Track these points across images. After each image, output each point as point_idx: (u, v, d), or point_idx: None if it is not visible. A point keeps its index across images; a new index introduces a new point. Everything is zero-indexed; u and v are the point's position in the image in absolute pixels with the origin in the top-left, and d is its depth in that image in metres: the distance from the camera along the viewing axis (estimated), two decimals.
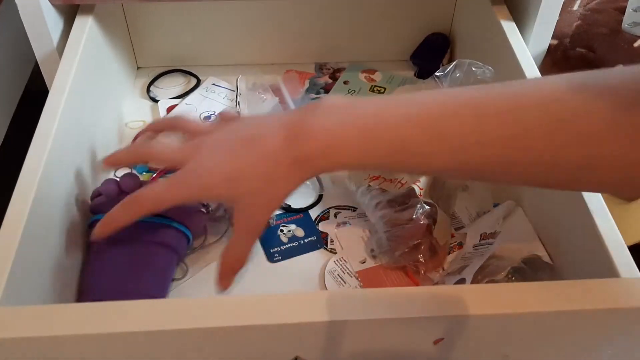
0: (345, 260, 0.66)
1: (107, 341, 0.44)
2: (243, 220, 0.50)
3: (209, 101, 0.86)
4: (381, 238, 0.65)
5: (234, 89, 0.89)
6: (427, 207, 0.65)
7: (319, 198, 0.73)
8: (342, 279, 0.65)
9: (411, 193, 0.66)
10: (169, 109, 0.84)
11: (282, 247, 0.67)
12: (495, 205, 0.68)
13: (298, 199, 0.71)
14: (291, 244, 0.68)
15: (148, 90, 0.88)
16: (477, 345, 0.48)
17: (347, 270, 0.65)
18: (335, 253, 0.67)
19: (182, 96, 0.87)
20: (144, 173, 0.75)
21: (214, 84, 0.89)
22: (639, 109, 0.37)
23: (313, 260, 0.67)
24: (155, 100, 0.87)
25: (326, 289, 0.64)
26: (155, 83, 0.90)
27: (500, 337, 0.48)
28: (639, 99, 0.37)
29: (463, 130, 0.42)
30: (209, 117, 0.83)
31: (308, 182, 0.73)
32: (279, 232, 0.69)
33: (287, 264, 0.67)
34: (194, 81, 0.90)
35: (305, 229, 0.70)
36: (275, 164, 0.47)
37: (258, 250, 0.68)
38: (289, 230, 0.69)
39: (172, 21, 0.87)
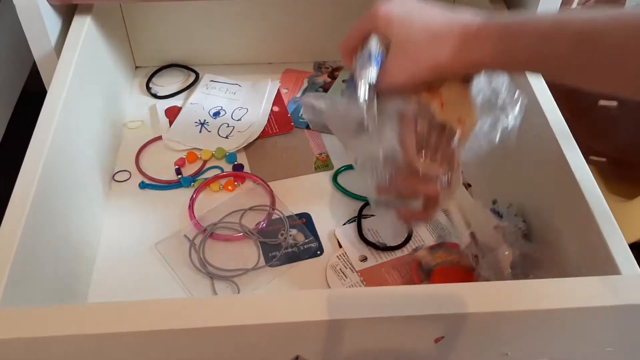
0: (347, 255, 0.66)
1: (107, 341, 0.44)
2: (391, 63, 0.53)
3: (212, 97, 0.87)
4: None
5: (233, 82, 0.89)
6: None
7: (410, 235, 0.70)
8: (343, 273, 0.65)
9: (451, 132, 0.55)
10: (167, 111, 0.84)
11: (280, 252, 0.67)
12: (495, 202, 0.68)
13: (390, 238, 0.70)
14: (291, 249, 0.68)
15: (148, 87, 0.88)
16: (477, 344, 0.48)
17: (349, 266, 0.66)
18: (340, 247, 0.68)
19: (181, 91, 0.88)
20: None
21: (212, 80, 0.89)
22: None
23: (313, 263, 0.67)
24: (156, 96, 0.87)
25: (327, 283, 0.64)
26: (154, 80, 0.90)
27: (501, 335, 0.48)
28: None
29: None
30: (218, 112, 0.84)
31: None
32: (279, 236, 0.69)
33: (288, 265, 0.67)
34: (192, 78, 0.90)
35: (305, 235, 0.69)
36: (452, 30, 0.50)
37: (257, 253, 0.68)
38: (290, 235, 0.69)
39: (170, 21, 0.87)
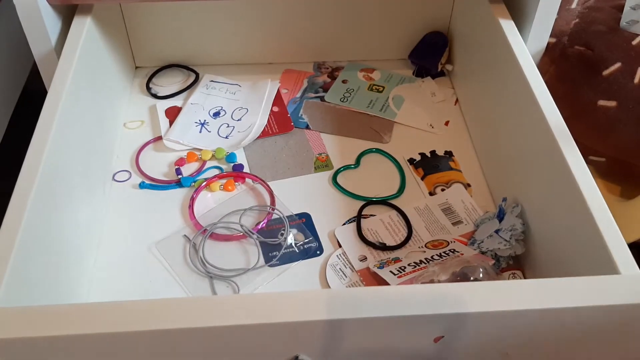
0: (347, 255, 0.67)
1: (107, 341, 0.44)
2: None
3: (212, 97, 0.87)
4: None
5: (233, 83, 0.89)
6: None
7: (409, 235, 0.70)
8: (343, 273, 0.65)
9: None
10: (167, 111, 0.84)
11: (280, 252, 0.67)
12: (504, 200, 0.68)
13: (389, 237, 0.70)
14: (290, 249, 0.68)
15: (148, 87, 0.88)
16: (477, 343, 0.48)
17: (349, 265, 0.66)
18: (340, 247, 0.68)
19: (181, 92, 0.88)
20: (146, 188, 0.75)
21: (212, 81, 0.89)
22: None
23: (313, 263, 0.67)
24: (156, 97, 0.87)
25: (327, 282, 0.64)
26: (154, 80, 0.90)
27: (500, 335, 0.48)
28: None
29: None
30: (218, 113, 0.84)
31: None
32: (279, 236, 0.69)
33: (288, 265, 0.67)
34: (192, 78, 0.90)
35: (305, 235, 0.70)
36: None
37: (257, 253, 0.68)
38: (290, 234, 0.69)
39: (170, 21, 0.87)
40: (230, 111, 0.85)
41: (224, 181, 0.75)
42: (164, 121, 0.83)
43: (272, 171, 0.77)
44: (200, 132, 0.82)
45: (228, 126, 0.83)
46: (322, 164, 0.78)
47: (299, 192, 0.75)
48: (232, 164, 0.78)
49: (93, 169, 0.69)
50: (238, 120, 0.84)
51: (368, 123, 0.84)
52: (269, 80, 0.89)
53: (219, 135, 0.81)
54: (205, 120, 0.83)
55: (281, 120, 0.84)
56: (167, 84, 0.89)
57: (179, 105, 0.86)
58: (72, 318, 0.43)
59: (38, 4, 0.68)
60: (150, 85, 0.89)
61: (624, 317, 0.47)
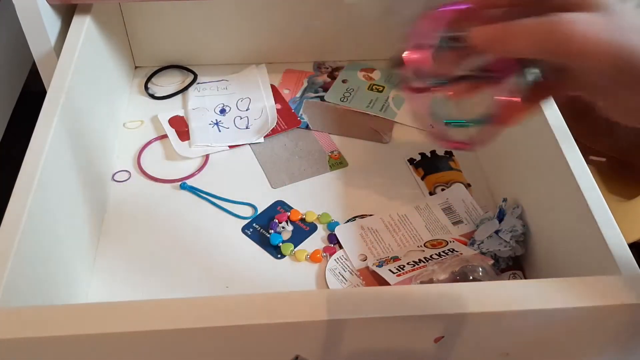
0: (346, 258, 0.67)
1: (107, 341, 0.44)
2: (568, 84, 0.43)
3: (208, 98, 0.86)
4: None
5: (220, 79, 0.89)
6: None
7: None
8: (343, 276, 0.65)
9: None
10: (171, 121, 0.83)
11: (284, 242, 0.69)
12: (505, 200, 0.68)
13: None
14: (294, 235, 0.70)
15: (146, 88, 0.88)
16: (477, 343, 0.48)
17: (348, 268, 0.66)
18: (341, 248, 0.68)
19: (179, 92, 0.87)
20: None
21: (198, 83, 0.89)
22: None
23: (312, 266, 0.67)
24: (153, 97, 0.87)
25: (327, 286, 0.64)
26: (153, 80, 0.90)
27: (501, 335, 0.48)
28: None
29: None
30: (223, 109, 0.84)
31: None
32: (279, 230, 0.70)
33: (288, 262, 0.67)
34: (190, 78, 0.90)
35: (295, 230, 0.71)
36: None
37: (257, 250, 0.68)
38: (289, 225, 0.70)
39: (170, 21, 0.87)
40: (233, 104, 0.85)
41: (311, 251, 0.68)
42: (171, 133, 0.81)
43: (288, 174, 0.77)
44: (219, 131, 0.81)
45: (241, 118, 0.82)
46: (336, 161, 0.78)
47: (310, 192, 0.75)
48: (329, 233, 0.70)
49: (92, 169, 0.69)
50: (246, 110, 0.83)
51: (368, 123, 0.84)
52: (253, 65, 0.89)
53: (238, 128, 0.81)
54: (217, 120, 0.83)
55: (287, 116, 0.84)
56: (165, 84, 0.89)
57: (180, 114, 0.84)
58: (72, 318, 0.43)
59: (37, 4, 0.68)
60: (149, 86, 0.89)
61: (624, 317, 0.47)
